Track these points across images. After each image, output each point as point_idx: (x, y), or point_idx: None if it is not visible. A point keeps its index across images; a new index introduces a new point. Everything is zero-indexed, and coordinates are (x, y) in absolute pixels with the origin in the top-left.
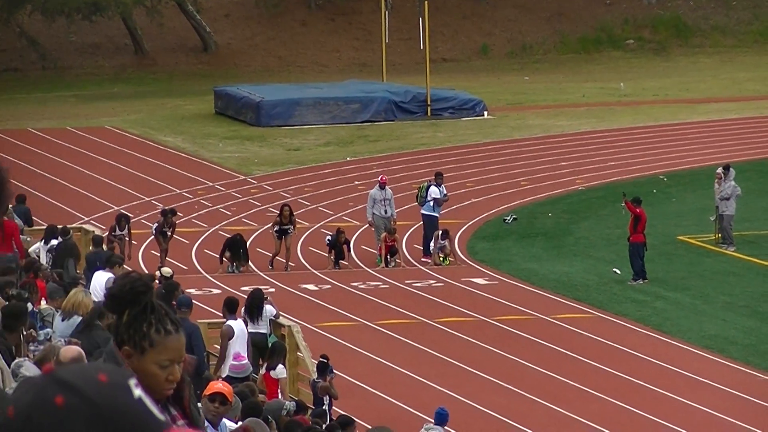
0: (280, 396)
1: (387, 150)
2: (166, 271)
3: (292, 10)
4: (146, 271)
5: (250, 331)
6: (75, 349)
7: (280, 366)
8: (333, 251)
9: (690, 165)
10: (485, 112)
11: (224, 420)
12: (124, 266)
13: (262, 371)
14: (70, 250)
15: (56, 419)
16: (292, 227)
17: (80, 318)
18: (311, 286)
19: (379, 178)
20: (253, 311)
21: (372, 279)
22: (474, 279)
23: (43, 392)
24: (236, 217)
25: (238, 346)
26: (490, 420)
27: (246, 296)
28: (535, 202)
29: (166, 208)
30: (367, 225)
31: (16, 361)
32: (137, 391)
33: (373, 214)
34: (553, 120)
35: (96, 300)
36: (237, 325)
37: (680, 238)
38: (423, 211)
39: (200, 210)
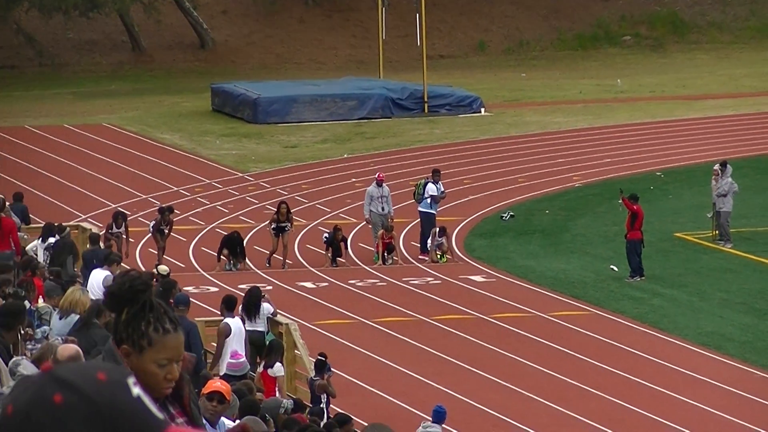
0: (277, 394)
1: (384, 147)
2: (163, 269)
3: (289, 7)
4: (143, 269)
5: (247, 329)
6: (72, 348)
7: (278, 364)
8: (330, 249)
9: (687, 162)
10: (482, 109)
11: (222, 418)
12: (122, 264)
13: (260, 369)
14: (69, 248)
15: (55, 417)
16: (289, 225)
17: (77, 316)
18: (308, 284)
19: (376, 175)
20: (251, 309)
21: (369, 276)
22: (471, 276)
23: (41, 390)
24: (233, 215)
25: (236, 344)
26: (488, 417)
27: (243, 294)
28: (532, 199)
29: (164, 205)
30: (365, 222)
31: (14, 359)
32: (136, 390)
33: (371, 211)
34: (550, 117)
35: (93, 298)
36: (234, 323)
37: (677, 235)
38: (420, 209)
39: (197, 207)
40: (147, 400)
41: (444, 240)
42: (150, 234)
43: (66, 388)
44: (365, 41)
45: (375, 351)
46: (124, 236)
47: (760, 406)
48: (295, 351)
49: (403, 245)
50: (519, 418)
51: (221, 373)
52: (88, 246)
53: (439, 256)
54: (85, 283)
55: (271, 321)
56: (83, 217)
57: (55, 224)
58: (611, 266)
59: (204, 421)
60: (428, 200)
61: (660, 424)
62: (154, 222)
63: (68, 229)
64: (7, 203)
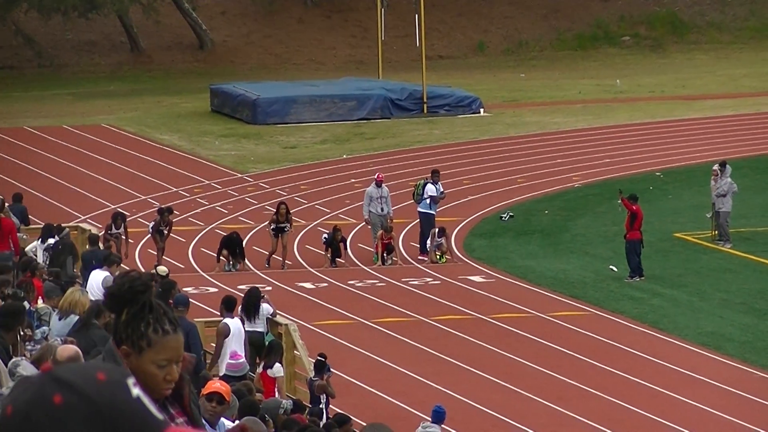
0: (277, 395)
1: (383, 147)
2: (162, 269)
3: (288, 8)
4: (143, 270)
5: (247, 329)
6: (72, 348)
7: (277, 364)
8: (329, 249)
9: (686, 162)
10: (481, 110)
11: (222, 419)
12: (122, 265)
13: (259, 370)
14: (69, 249)
15: (54, 418)
16: (288, 225)
17: (77, 317)
18: (308, 285)
19: (376, 176)
20: (250, 310)
21: (369, 277)
22: (471, 277)
23: (41, 391)
24: (233, 216)
25: (235, 344)
26: (488, 418)
27: (243, 295)
28: (531, 200)
29: (163, 206)
30: (364, 223)
31: (13, 360)
32: (135, 390)
33: (370, 211)
34: (550, 117)
35: (93, 299)
36: (233, 323)
37: (677, 235)
38: (419, 209)
39: (197, 208)
40: (147, 401)
41: (443, 240)
42: (149, 235)
43: (66, 389)
44: (364, 41)
45: (374, 351)
46: (124, 237)
47: (760, 406)
48: (294, 351)
49: (403, 246)
50: (518, 418)
51: (221, 374)
52: (87, 247)
53: (438, 257)
54: (84, 284)
55: (271, 321)
56: (82, 217)
57: (55, 225)
58: (611, 266)
59: (204, 421)
60: (427, 201)
61: (659, 424)
62: (153, 223)
63: (67, 229)
64: (7, 204)
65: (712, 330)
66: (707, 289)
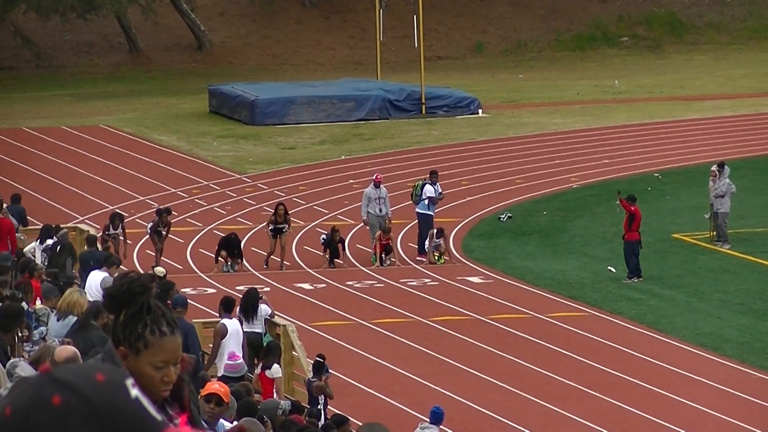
0: (275, 395)
1: (382, 148)
2: (160, 270)
3: (287, 8)
4: (141, 271)
5: (245, 330)
6: (70, 349)
7: (276, 365)
8: (328, 250)
9: (685, 162)
10: (480, 110)
11: (221, 420)
12: (121, 267)
13: (258, 371)
14: (68, 250)
15: (53, 418)
16: (286, 226)
17: (75, 318)
18: (306, 285)
19: (374, 177)
20: (249, 310)
21: (367, 278)
22: (469, 277)
23: (40, 391)
24: (231, 216)
25: (233, 345)
26: (486, 418)
27: (241, 295)
28: (529, 200)
29: (161, 207)
30: (362, 224)
31: (11, 361)
32: (134, 391)
33: (368, 212)
34: (548, 118)
35: (91, 300)
36: (231, 323)
37: (675, 235)
38: (418, 210)
39: (195, 209)
40: (145, 402)
41: (442, 241)
42: (148, 236)
43: (65, 389)
44: (363, 42)
45: (373, 352)
46: (121, 237)
47: (758, 407)
48: (292, 352)
49: (401, 247)
50: (516, 418)
51: (219, 375)
52: (85, 248)
53: (436, 258)
54: (82, 285)
55: (269, 322)
56: (81, 218)
57: (53, 226)
58: (609, 267)
59: (203, 422)
60: (426, 201)
61: (658, 425)
62: (151, 224)
63: (65, 230)
64: (5, 205)
65: (711, 331)
66: (705, 289)
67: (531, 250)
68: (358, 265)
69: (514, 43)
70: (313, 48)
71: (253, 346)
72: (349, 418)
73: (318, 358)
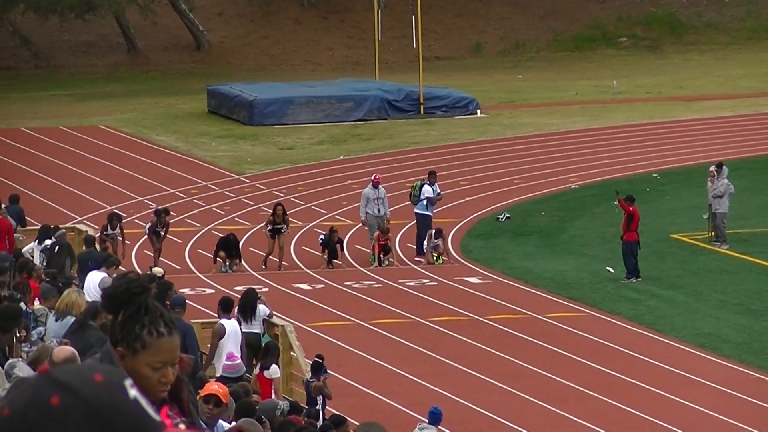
0: (273, 396)
1: (380, 148)
2: (158, 270)
3: (285, 9)
4: (139, 271)
5: (243, 330)
6: (68, 350)
7: (274, 366)
8: (326, 250)
9: (683, 163)
10: (478, 111)
11: (220, 421)
12: (120, 267)
13: (256, 371)
14: (67, 251)
15: (52, 419)
16: (285, 226)
17: (74, 318)
18: (304, 286)
19: (373, 177)
20: (247, 311)
21: (365, 278)
22: (467, 278)
23: (39, 392)
24: (229, 217)
25: (231, 345)
26: (484, 419)
27: (239, 296)
28: (528, 201)
29: (160, 207)
30: (361, 224)
31: (10, 361)
32: (133, 392)
33: (367, 213)
34: (547, 118)
35: (89, 300)
36: (229, 324)
37: (674, 236)
38: (416, 210)
39: (193, 209)
40: (144, 402)
41: (440, 242)
42: (146, 236)
43: (63, 390)
44: (361, 42)
45: (371, 352)
46: (119, 238)
47: (756, 407)
48: (291, 353)
49: (399, 247)
50: (515, 419)
51: (217, 375)
52: (83, 248)
53: (435, 258)
54: (80, 285)
55: (267, 323)
56: (79, 219)
57: (52, 226)
58: (608, 267)
59: (201, 423)
60: (424, 202)
61: (656, 425)
62: (150, 224)
63: (63, 230)
64: (3, 205)
65: (709, 331)
66: (704, 290)
67: (530, 250)
68: (357, 265)
69: (512, 43)
70: (311, 48)
71: (251, 346)
72: (348, 418)
73: (316, 359)
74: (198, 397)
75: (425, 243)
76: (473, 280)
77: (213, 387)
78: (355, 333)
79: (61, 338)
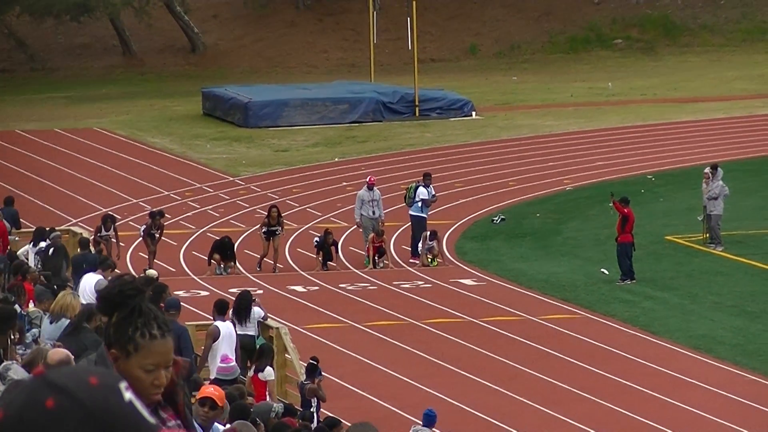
0: (268, 398)
1: (375, 150)
2: (151, 273)
3: (280, 11)
4: (134, 273)
5: (238, 333)
6: (63, 352)
7: (268, 368)
8: (321, 252)
9: (678, 164)
10: (473, 112)
11: (215, 424)
12: (116, 270)
13: (251, 373)
14: (63, 253)
15: (47, 421)
16: (280, 228)
17: (68, 320)
18: (299, 288)
19: (367, 179)
20: (241, 313)
21: (360, 280)
22: (462, 280)
23: (34, 394)
24: (224, 219)
25: (226, 347)
26: (479, 421)
27: (234, 298)
28: (523, 202)
29: (154, 209)
30: (355, 226)
31: (4, 363)
32: (128, 394)
33: (361, 215)
34: (542, 120)
35: (84, 302)
36: (224, 326)
37: (668, 237)
38: (411, 212)
39: (188, 211)
40: (139, 405)
41: (435, 243)
42: (141, 238)
43: (58, 393)
44: (356, 44)
45: (365, 354)
46: (114, 239)
47: (751, 409)
48: (285, 355)
49: (394, 249)
50: (510, 421)
51: (211, 377)
52: (78, 250)
53: (429, 260)
54: (75, 288)
55: (262, 325)
56: (74, 221)
57: (46, 228)
58: (602, 269)
59: (196, 426)
60: (419, 204)
61: (650, 427)
62: (144, 226)
63: (58, 232)
64: None
65: (704, 333)
66: (699, 292)
67: (524, 252)
68: (351, 267)
69: (507, 45)
70: (306, 50)
71: (246, 348)
72: (342, 420)
73: (311, 361)
74: (193, 400)
75: (420, 245)
76: (468, 282)
77: (209, 390)
78: (350, 335)
79: (54, 341)
